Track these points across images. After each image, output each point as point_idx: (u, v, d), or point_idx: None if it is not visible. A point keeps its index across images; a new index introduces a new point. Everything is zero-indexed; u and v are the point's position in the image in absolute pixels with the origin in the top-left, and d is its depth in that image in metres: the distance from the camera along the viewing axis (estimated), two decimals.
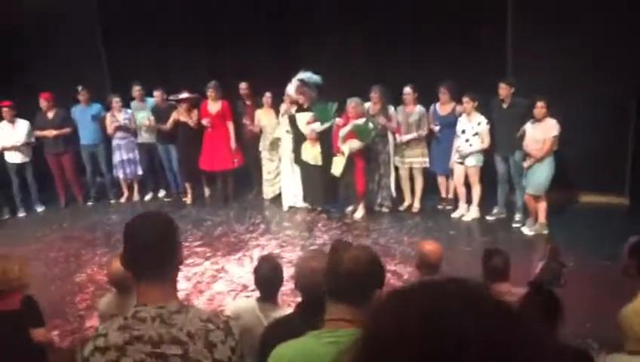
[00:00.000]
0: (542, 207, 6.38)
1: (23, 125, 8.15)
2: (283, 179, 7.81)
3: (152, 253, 1.74)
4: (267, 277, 3.20)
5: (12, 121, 8.08)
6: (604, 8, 6.39)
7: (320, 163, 7.21)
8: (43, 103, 8.21)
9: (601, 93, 6.51)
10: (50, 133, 8.18)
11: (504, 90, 6.49)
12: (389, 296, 0.84)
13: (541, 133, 6.12)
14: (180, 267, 1.88)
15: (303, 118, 7.22)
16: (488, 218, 6.98)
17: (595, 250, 5.55)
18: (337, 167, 7.04)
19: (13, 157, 8.19)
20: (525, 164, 6.32)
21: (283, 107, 7.49)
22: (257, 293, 3.30)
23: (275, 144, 7.80)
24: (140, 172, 8.63)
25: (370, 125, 6.88)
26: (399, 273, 5.76)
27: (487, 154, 6.80)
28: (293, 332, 1.87)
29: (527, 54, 6.80)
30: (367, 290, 1.71)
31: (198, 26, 8.83)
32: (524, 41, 6.82)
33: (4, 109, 7.97)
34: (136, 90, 8.35)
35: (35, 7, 8.72)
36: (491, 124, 6.65)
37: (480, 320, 0.75)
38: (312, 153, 7.23)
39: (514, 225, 6.71)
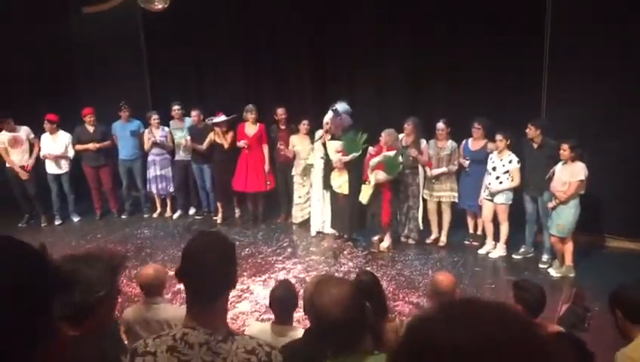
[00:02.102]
0: (568, 249, 6.34)
1: (63, 137, 8.49)
2: (312, 205, 7.93)
3: (210, 276, 1.77)
4: (281, 300, 3.28)
5: (54, 133, 8.41)
6: (636, 56, 6.41)
7: (346, 191, 7.30)
8: (86, 118, 8.54)
9: (632, 138, 6.50)
10: (94, 146, 8.49)
11: (531, 131, 6.52)
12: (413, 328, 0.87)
13: (568, 175, 6.12)
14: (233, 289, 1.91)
15: (332, 146, 7.35)
16: (515, 256, 6.96)
17: None
18: (365, 194, 7.12)
19: (53, 168, 8.52)
20: (550, 205, 6.31)
21: (318, 134, 7.63)
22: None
23: (307, 170, 7.94)
24: (171, 189, 8.86)
25: (400, 159, 6.96)
26: (422, 305, 5.78)
27: (517, 192, 6.80)
28: (299, 358, 1.91)
29: (561, 95, 6.81)
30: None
31: (238, 50, 9.10)
32: (559, 82, 6.84)
33: (49, 123, 8.30)
34: (176, 109, 8.61)
35: (85, 29, 9.18)
36: (522, 163, 6.67)
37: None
38: (338, 181, 7.34)
39: (541, 266, 6.67)
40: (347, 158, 7.22)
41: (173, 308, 3.84)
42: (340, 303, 1.87)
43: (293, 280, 6.43)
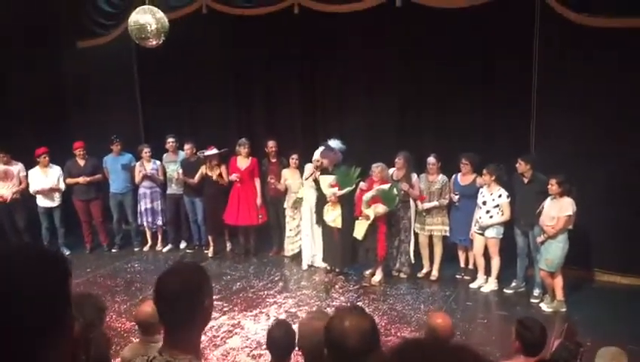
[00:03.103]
0: (558, 284, 6.36)
1: (55, 171, 8.47)
2: (303, 239, 7.92)
3: (172, 302, 1.81)
4: (279, 341, 3.24)
5: (45, 167, 8.40)
6: (622, 91, 6.54)
7: (339, 225, 7.31)
8: (76, 151, 8.54)
9: (621, 173, 6.60)
10: (84, 180, 8.47)
11: (521, 165, 6.60)
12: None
13: (556, 210, 6.17)
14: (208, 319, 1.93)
15: (325, 181, 7.39)
16: (506, 291, 6.95)
17: (613, 332, 5.46)
18: (360, 230, 7.13)
19: (44, 202, 8.48)
20: (539, 239, 6.36)
21: (307, 168, 7.66)
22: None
23: (297, 203, 7.95)
24: (159, 222, 8.83)
25: (395, 191, 7.01)
26: None
27: (508, 226, 6.84)
28: None
29: (550, 130, 6.91)
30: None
31: (230, 84, 9.19)
32: (547, 117, 6.94)
33: (42, 156, 8.30)
34: (170, 142, 8.64)
35: (79, 62, 9.27)
36: (512, 198, 6.72)
37: None
38: (332, 215, 7.36)
39: (532, 301, 6.67)
40: (342, 192, 7.25)
41: None
42: (359, 332, 1.89)
43: (283, 315, 6.42)
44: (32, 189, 8.38)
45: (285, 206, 8.11)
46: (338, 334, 1.89)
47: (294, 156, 7.97)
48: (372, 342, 1.89)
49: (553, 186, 6.14)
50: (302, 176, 7.85)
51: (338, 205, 7.30)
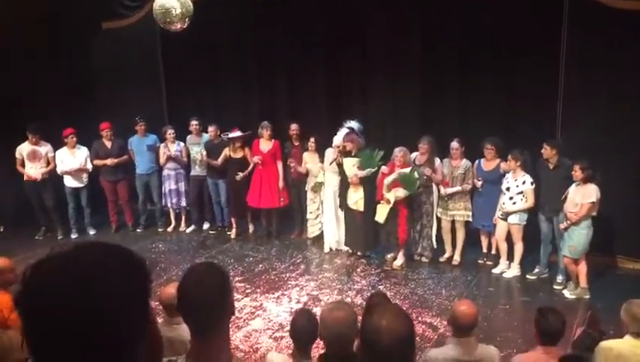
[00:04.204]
0: (582, 270, 6.30)
1: (82, 152, 8.60)
2: (325, 223, 7.95)
3: (202, 312, 1.80)
4: (302, 330, 3.25)
5: (73, 147, 8.54)
6: None
7: (362, 208, 7.32)
8: (103, 132, 8.67)
9: None
10: (112, 161, 8.61)
11: (547, 151, 6.51)
12: None
13: (580, 197, 6.09)
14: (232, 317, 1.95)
15: (349, 163, 7.38)
16: (529, 277, 6.92)
17: None
18: (381, 214, 7.14)
19: (72, 182, 8.63)
20: (562, 226, 6.29)
21: (328, 154, 7.65)
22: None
23: (316, 187, 7.98)
24: (183, 203, 8.94)
25: (416, 175, 6.98)
26: (435, 325, 5.77)
27: (532, 213, 6.78)
28: None
29: (577, 116, 6.80)
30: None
31: (254, 66, 9.20)
32: (574, 102, 6.84)
33: (70, 137, 8.43)
34: (194, 124, 8.71)
35: (104, 45, 9.35)
36: (537, 184, 6.65)
37: None
38: (354, 198, 7.37)
39: (555, 287, 6.63)
40: (363, 173, 7.24)
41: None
42: (395, 330, 1.82)
43: (305, 298, 6.49)
44: (59, 170, 8.53)
45: (307, 188, 8.14)
46: (373, 331, 1.84)
47: (312, 139, 7.97)
48: (408, 347, 1.85)
49: (577, 172, 6.05)
50: (320, 159, 7.86)
51: (360, 188, 7.30)
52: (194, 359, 1.82)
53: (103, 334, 0.96)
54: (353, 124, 7.37)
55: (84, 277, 0.97)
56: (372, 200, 7.29)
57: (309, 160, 8.01)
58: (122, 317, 0.99)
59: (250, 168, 8.30)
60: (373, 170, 7.24)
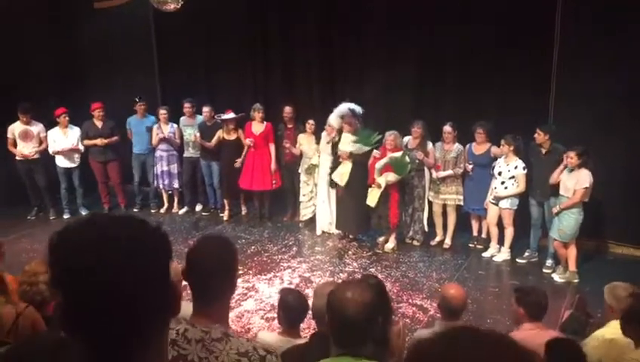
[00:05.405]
0: (571, 254, 6.37)
1: (74, 132, 8.55)
2: (318, 205, 7.97)
3: (209, 281, 1.89)
4: (290, 309, 3.27)
5: (65, 127, 8.49)
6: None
7: (342, 183, 7.26)
8: (94, 112, 8.60)
9: (639, 145, 6.52)
10: (102, 141, 8.55)
11: (539, 136, 6.54)
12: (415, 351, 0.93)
13: (573, 182, 6.14)
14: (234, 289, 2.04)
15: (347, 139, 7.27)
16: (519, 261, 6.99)
17: None
18: (373, 197, 7.15)
19: (63, 162, 8.59)
20: (554, 210, 6.34)
21: (325, 136, 7.65)
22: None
23: (311, 169, 7.98)
24: (176, 185, 8.92)
25: (407, 159, 6.99)
26: (425, 307, 5.85)
27: (523, 197, 6.83)
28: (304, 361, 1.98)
29: (570, 101, 6.81)
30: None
31: (248, 48, 9.12)
32: (567, 86, 6.86)
33: (62, 116, 8.38)
34: (187, 106, 8.66)
35: (96, 25, 9.26)
36: (529, 168, 6.69)
37: None
38: (339, 170, 7.30)
39: (544, 271, 6.70)
40: (358, 149, 7.16)
41: (186, 304, 3.87)
42: (359, 302, 1.92)
43: (297, 280, 6.53)
44: (51, 150, 8.49)
45: (300, 171, 8.15)
46: (338, 303, 1.95)
47: (310, 121, 7.95)
48: (372, 313, 1.94)
49: (573, 158, 6.08)
50: (317, 142, 7.85)
51: (349, 163, 7.24)
52: (193, 321, 1.88)
53: (129, 296, 0.98)
54: (354, 106, 7.31)
55: (114, 237, 1.01)
56: (357, 179, 7.22)
57: (305, 142, 7.99)
58: (148, 283, 1.01)
59: (245, 151, 8.28)
60: (366, 148, 7.19)
